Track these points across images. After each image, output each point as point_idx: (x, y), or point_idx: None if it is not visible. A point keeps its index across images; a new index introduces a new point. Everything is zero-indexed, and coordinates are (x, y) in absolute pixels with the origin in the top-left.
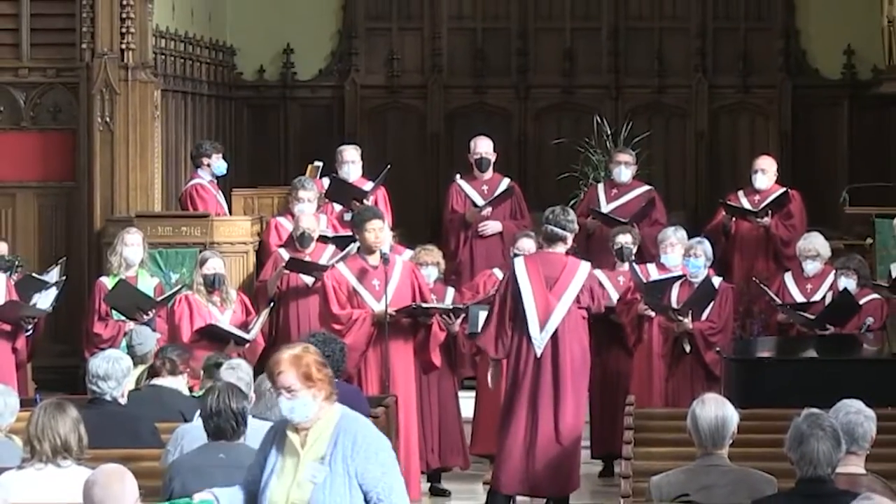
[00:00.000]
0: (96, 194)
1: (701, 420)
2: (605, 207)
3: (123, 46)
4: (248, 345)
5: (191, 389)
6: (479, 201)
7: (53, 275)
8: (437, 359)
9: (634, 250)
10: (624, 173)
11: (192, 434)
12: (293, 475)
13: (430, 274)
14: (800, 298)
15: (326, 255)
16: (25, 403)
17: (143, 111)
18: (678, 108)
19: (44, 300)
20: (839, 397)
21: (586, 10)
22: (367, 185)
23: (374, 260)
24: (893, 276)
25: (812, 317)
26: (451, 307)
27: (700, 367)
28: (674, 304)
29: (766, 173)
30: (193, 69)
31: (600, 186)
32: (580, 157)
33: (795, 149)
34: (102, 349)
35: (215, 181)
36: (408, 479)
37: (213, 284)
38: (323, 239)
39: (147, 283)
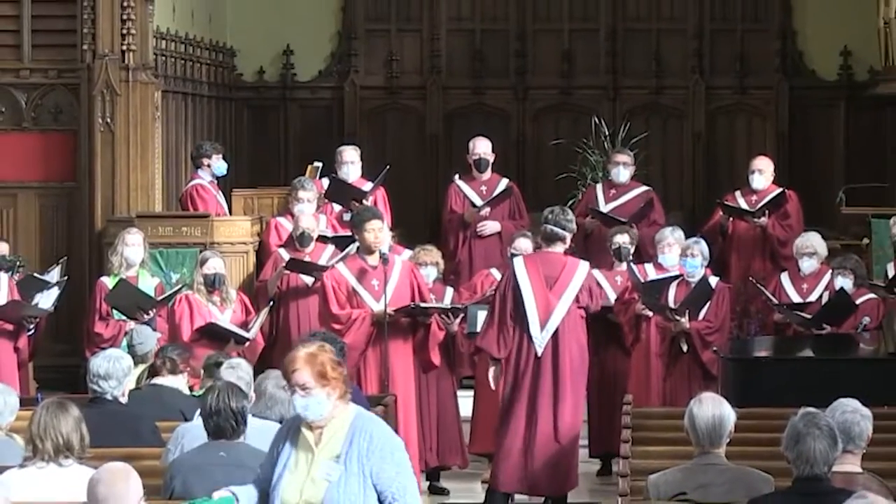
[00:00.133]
0: (97, 195)
1: (698, 419)
2: (604, 208)
3: (124, 48)
4: (247, 344)
5: (191, 388)
6: (478, 201)
7: (54, 274)
8: (436, 358)
9: (632, 250)
10: (622, 174)
11: (193, 433)
12: (307, 472)
13: (430, 274)
14: (796, 298)
15: (326, 255)
16: (27, 402)
17: (143, 112)
18: (675, 108)
19: (46, 300)
20: (835, 396)
21: (584, 12)
22: (367, 186)
23: (373, 260)
24: (890, 276)
25: (809, 316)
26: (449, 307)
27: (697, 366)
28: (671, 304)
29: (762, 174)
30: (194, 70)
31: (599, 187)
32: (578, 158)
33: (792, 149)
34: (103, 348)
35: (215, 181)
36: None
37: (213, 284)
38: (322, 239)
39: (148, 283)
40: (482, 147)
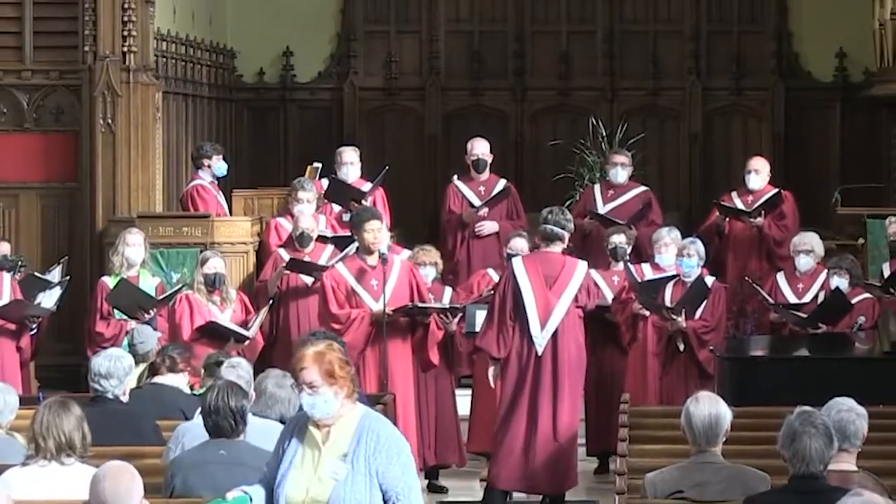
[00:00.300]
0: (98, 195)
1: (695, 418)
2: (602, 208)
3: (125, 49)
4: (247, 343)
5: (191, 387)
6: (476, 202)
7: (55, 274)
8: (434, 357)
9: (629, 250)
10: (620, 174)
11: (193, 432)
12: (313, 470)
13: (428, 274)
14: (792, 298)
15: (325, 255)
16: (28, 401)
17: (144, 113)
18: (672, 110)
19: (48, 299)
20: (831, 395)
21: (582, 14)
22: (366, 186)
23: (372, 260)
24: (885, 276)
25: (805, 316)
26: (448, 307)
27: (694, 365)
28: (667, 304)
29: (759, 174)
30: (194, 72)
31: (597, 187)
32: (576, 159)
33: (788, 150)
34: (104, 348)
35: (216, 182)
36: None
37: (213, 284)
38: (322, 239)
39: (148, 283)
40: (480, 148)
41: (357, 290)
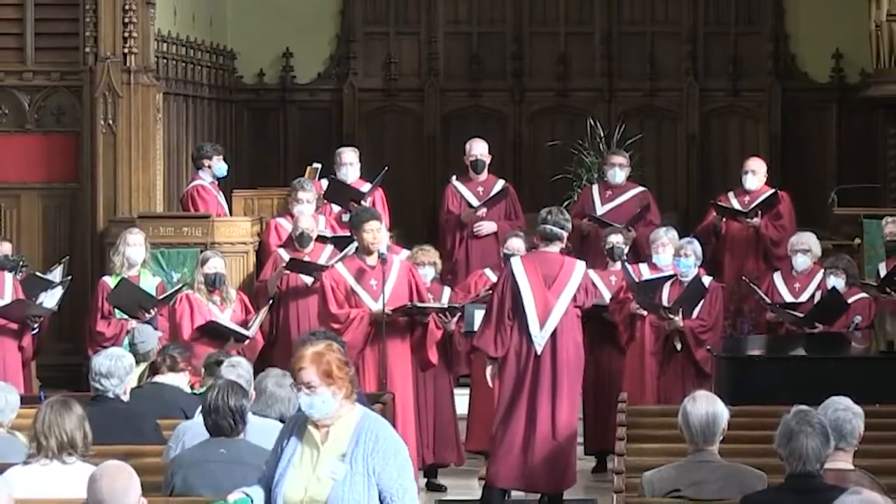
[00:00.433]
0: (99, 195)
1: (692, 417)
2: (600, 209)
3: (126, 50)
4: (247, 342)
5: (192, 387)
6: (475, 202)
7: (56, 274)
8: (434, 357)
9: (626, 250)
10: (618, 175)
11: (194, 430)
12: (312, 469)
13: (427, 274)
14: (788, 297)
15: (325, 255)
16: (30, 400)
17: (145, 114)
18: (670, 111)
19: (50, 299)
20: (828, 394)
21: (580, 15)
22: (365, 187)
23: (371, 260)
24: (881, 276)
25: (801, 315)
26: (447, 306)
27: (691, 364)
28: (665, 303)
29: (755, 175)
30: (194, 73)
31: (595, 188)
32: (574, 159)
33: (785, 151)
34: (105, 347)
35: (216, 182)
36: None
37: (213, 284)
38: (322, 239)
39: (149, 283)
40: (479, 148)
41: (356, 290)
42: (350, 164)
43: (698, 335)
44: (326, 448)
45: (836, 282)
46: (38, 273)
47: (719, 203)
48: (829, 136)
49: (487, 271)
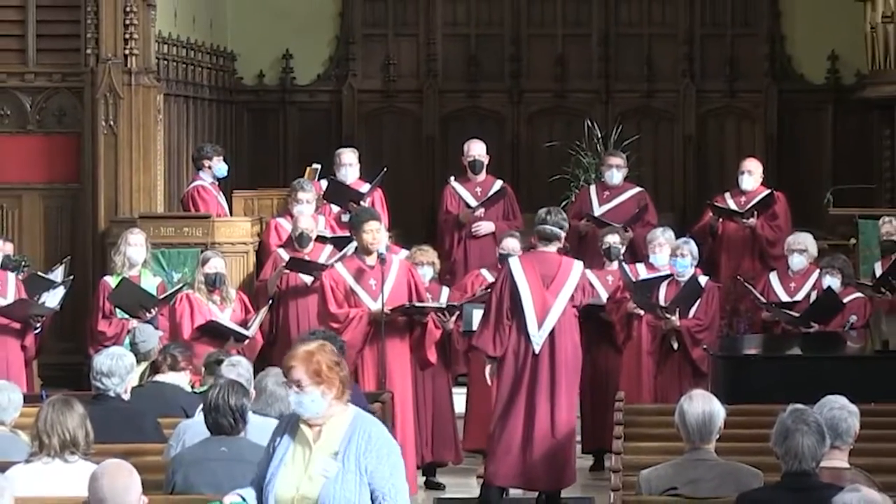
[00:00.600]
0: (100, 196)
1: (689, 415)
2: (598, 209)
3: (127, 52)
4: (247, 342)
5: (192, 386)
6: (473, 202)
7: (58, 274)
8: (432, 356)
9: (622, 250)
10: (615, 176)
11: (194, 429)
12: (304, 468)
13: (426, 273)
14: (784, 297)
15: (324, 255)
16: (31, 399)
17: (145, 115)
18: (667, 112)
19: (52, 299)
20: (823, 393)
21: (577, 17)
22: (364, 187)
23: (371, 260)
24: (877, 276)
25: (797, 315)
26: (445, 305)
27: (687, 363)
28: (662, 303)
29: (752, 175)
30: (195, 74)
31: (592, 188)
32: (571, 160)
33: (781, 151)
34: (106, 346)
35: (216, 183)
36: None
37: (213, 283)
38: (321, 239)
39: (150, 282)
40: (477, 149)
41: (356, 290)
42: (349, 164)
43: (695, 334)
44: (319, 446)
45: (832, 281)
46: (39, 273)
47: (716, 203)
48: (824, 137)
49: (484, 271)
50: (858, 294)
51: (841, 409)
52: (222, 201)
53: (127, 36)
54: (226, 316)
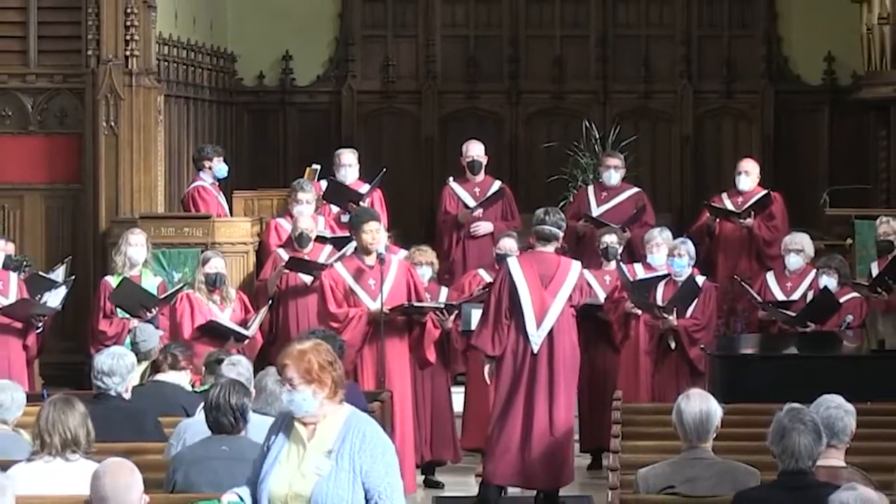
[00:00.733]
0: (101, 196)
1: (686, 414)
2: (596, 210)
3: (128, 53)
4: (247, 342)
5: (193, 385)
6: (471, 203)
7: (59, 273)
8: (431, 356)
9: (620, 250)
10: (613, 177)
11: (195, 428)
12: (297, 466)
13: (425, 273)
14: (780, 296)
15: (324, 255)
16: (32, 398)
17: (146, 116)
18: (664, 112)
19: (54, 298)
20: (820, 392)
21: (575, 19)
22: (364, 188)
23: (370, 260)
24: (873, 276)
25: (793, 314)
26: (444, 304)
27: (685, 363)
28: (659, 303)
29: (749, 175)
30: (195, 75)
31: (590, 189)
32: (569, 161)
33: (777, 152)
34: (107, 346)
35: (216, 183)
36: (403, 473)
37: (214, 283)
38: (321, 239)
39: (150, 282)
40: (475, 150)
41: (355, 290)
42: (349, 165)
43: (692, 334)
44: (313, 445)
45: (828, 281)
46: (41, 273)
47: (713, 204)
48: (821, 138)
49: (481, 271)
50: (855, 294)
51: (837, 408)
52: (222, 201)
53: (128, 37)
54: (226, 316)
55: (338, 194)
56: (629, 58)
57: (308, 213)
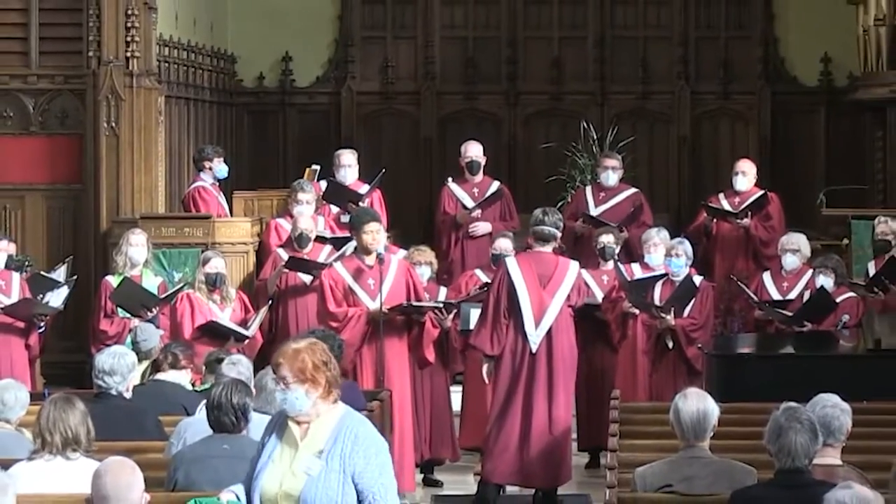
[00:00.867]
0: (102, 196)
1: (683, 413)
2: (594, 210)
3: (128, 54)
4: (246, 341)
5: (193, 384)
6: (470, 203)
7: (60, 273)
8: (430, 355)
9: (617, 250)
10: (611, 177)
11: (195, 427)
12: (289, 465)
13: (424, 273)
14: (776, 296)
15: (323, 255)
16: (34, 398)
17: (147, 117)
18: (662, 113)
19: (56, 298)
20: (816, 392)
21: (573, 20)
22: (363, 188)
23: (370, 260)
24: (870, 275)
25: (790, 314)
26: (442, 303)
27: (682, 362)
28: (657, 302)
29: (746, 176)
30: (196, 76)
31: (588, 189)
32: (567, 161)
33: (774, 153)
34: (108, 345)
35: (217, 184)
36: (403, 472)
37: (214, 283)
38: (320, 239)
39: (151, 282)
40: (474, 150)
41: (354, 289)
42: (348, 165)
43: (689, 333)
44: (305, 444)
45: (825, 281)
46: (42, 272)
47: (710, 204)
48: (817, 139)
49: (477, 272)
50: (851, 293)
51: (833, 407)
52: (223, 202)
53: (128, 39)
54: (226, 315)
55: (337, 195)
56: (627, 59)
57: (308, 213)
